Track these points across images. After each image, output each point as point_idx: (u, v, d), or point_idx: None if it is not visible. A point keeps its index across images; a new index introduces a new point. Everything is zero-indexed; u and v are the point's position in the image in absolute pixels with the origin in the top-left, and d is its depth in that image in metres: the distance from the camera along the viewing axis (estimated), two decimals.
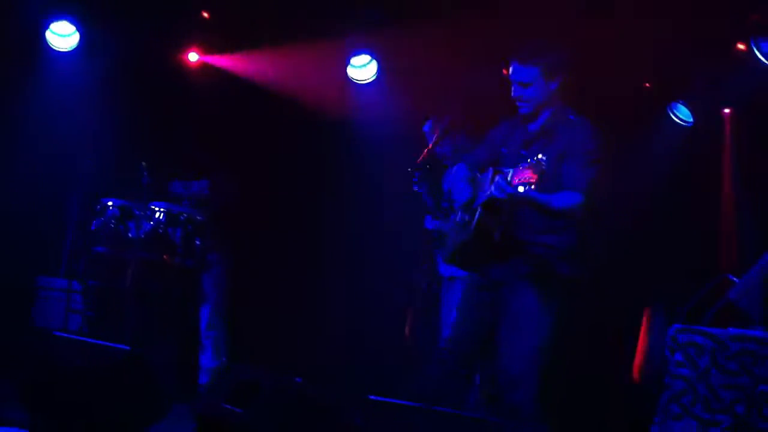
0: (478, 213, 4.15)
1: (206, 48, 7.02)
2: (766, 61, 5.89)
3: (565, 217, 4.17)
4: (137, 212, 6.15)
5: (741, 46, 6.20)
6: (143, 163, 6.06)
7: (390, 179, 6.22)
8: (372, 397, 3.71)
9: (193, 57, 7.08)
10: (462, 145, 5.45)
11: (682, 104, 6.85)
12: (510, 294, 4.19)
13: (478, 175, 4.47)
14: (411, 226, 5.84)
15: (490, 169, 4.29)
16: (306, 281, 7.16)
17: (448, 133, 5.46)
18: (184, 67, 7.07)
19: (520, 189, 3.85)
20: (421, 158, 5.34)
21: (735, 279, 4.07)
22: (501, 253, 4.20)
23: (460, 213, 4.40)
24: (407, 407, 3.54)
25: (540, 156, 3.90)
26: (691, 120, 6.82)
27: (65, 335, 5.18)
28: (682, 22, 6.08)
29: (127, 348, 4.73)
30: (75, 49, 6.84)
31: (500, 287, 4.24)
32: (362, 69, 7.02)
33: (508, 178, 3.94)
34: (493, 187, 4.02)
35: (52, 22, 6.78)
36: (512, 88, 4.33)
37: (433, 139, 5.47)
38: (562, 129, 4.27)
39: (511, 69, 4.33)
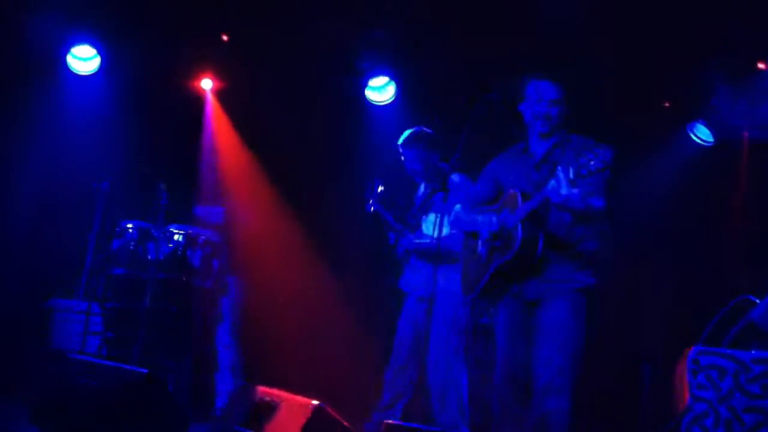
0: (520, 229, 4.19)
1: (223, 73, 7.05)
2: None
3: (593, 222, 4.26)
4: (156, 234, 6.16)
5: (761, 66, 6.16)
6: (162, 185, 6.07)
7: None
8: (389, 420, 3.67)
9: (207, 84, 7.11)
10: (434, 163, 5.49)
11: (702, 124, 6.80)
12: (545, 307, 4.26)
13: (486, 207, 4.53)
14: None
15: (516, 191, 4.31)
16: (321, 301, 7.14)
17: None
18: (200, 91, 7.10)
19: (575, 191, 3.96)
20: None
21: (756, 300, 4.00)
22: (535, 271, 4.25)
23: (480, 244, 4.45)
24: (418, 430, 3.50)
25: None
26: (712, 140, 6.77)
27: (81, 357, 5.18)
28: (702, 41, 6.06)
29: (144, 371, 4.73)
30: (96, 72, 6.89)
31: (534, 304, 4.30)
32: (380, 91, 7.02)
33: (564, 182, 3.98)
34: (549, 193, 4.05)
35: (73, 45, 6.84)
36: (539, 106, 4.39)
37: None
38: (568, 147, 4.35)
39: (537, 87, 4.41)
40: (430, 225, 5.41)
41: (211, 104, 7.15)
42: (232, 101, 7.14)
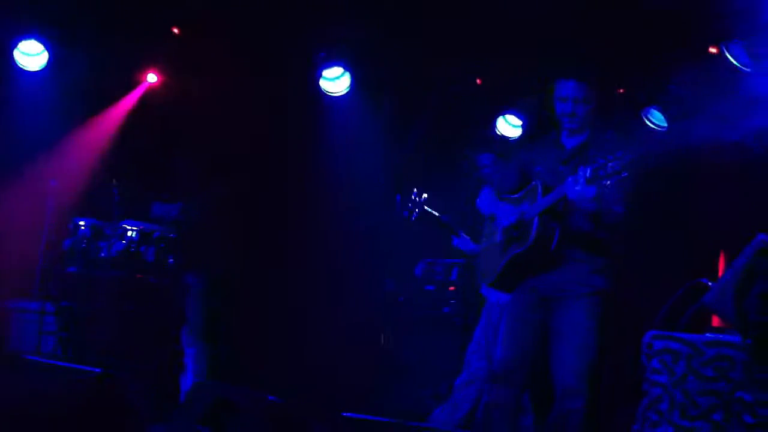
0: (535, 222, 4.18)
1: (172, 67, 6.96)
2: (737, 64, 5.88)
3: (609, 230, 4.24)
4: (108, 231, 6.07)
5: (713, 50, 6.19)
6: (114, 182, 5.99)
7: (366, 191, 6.18)
8: (345, 413, 3.65)
9: (152, 78, 7.03)
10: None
11: (656, 109, 6.84)
12: (561, 309, 4.24)
13: (513, 196, 4.52)
14: (386, 237, 5.81)
15: (537, 183, 4.31)
16: (281, 297, 7.10)
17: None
18: (150, 87, 7.01)
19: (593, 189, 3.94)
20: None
21: (709, 283, 4.03)
22: (551, 267, 4.24)
23: (500, 232, 4.45)
24: (380, 423, 3.48)
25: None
26: (665, 125, 6.82)
27: (35, 358, 5.09)
28: (655, 27, 6.08)
29: (97, 371, 4.66)
30: (44, 68, 6.76)
31: (549, 303, 4.28)
32: (335, 81, 6.98)
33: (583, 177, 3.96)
34: (566, 188, 4.04)
35: (21, 41, 6.70)
36: (564, 105, 4.35)
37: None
38: (603, 146, 4.28)
39: (564, 85, 4.35)
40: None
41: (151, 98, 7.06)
42: (182, 94, 7.04)
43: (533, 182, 4.36)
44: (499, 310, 5.36)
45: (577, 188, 3.98)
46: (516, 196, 4.49)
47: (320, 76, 6.96)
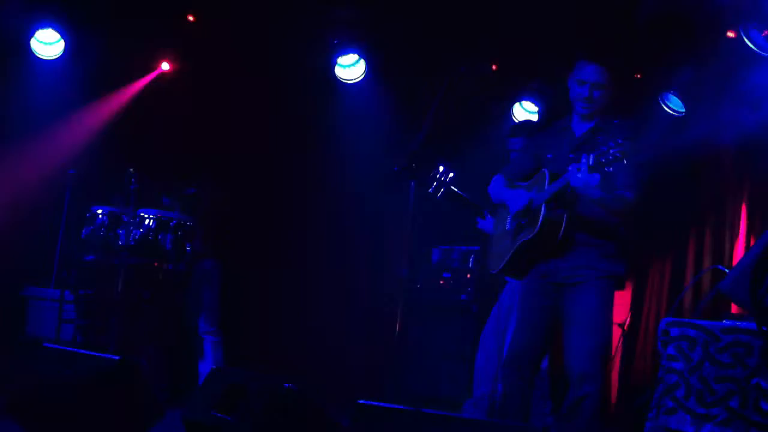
0: (543, 209, 4.18)
1: (187, 54, 6.97)
2: (755, 48, 5.83)
3: (618, 216, 4.24)
4: (126, 219, 6.09)
5: (731, 34, 6.14)
6: (130, 170, 6.00)
7: (377, 178, 6.17)
8: (360, 401, 3.65)
9: (165, 66, 7.04)
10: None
11: (673, 94, 6.79)
12: (573, 294, 4.25)
13: (523, 183, 4.52)
14: (397, 223, 5.79)
15: (545, 171, 4.31)
16: (297, 284, 7.13)
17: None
18: (164, 74, 7.03)
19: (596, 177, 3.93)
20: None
21: (725, 270, 4.00)
22: (561, 253, 4.25)
23: (509, 220, 4.45)
24: (395, 410, 3.48)
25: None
26: (683, 110, 6.77)
27: (55, 346, 5.13)
28: (673, 12, 6.03)
29: (117, 358, 4.69)
30: (60, 56, 6.79)
31: (561, 288, 4.29)
32: (350, 68, 6.97)
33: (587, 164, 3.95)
34: (569, 176, 4.04)
35: (38, 30, 6.73)
36: (581, 88, 4.31)
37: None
38: (609, 132, 4.28)
39: (585, 68, 4.30)
40: None
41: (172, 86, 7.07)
42: (199, 82, 7.05)
43: (542, 170, 4.35)
44: (513, 293, 5.40)
45: (579, 176, 3.98)
46: (526, 183, 4.49)
47: (335, 63, 6.96)
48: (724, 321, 3.89)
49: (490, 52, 6.99)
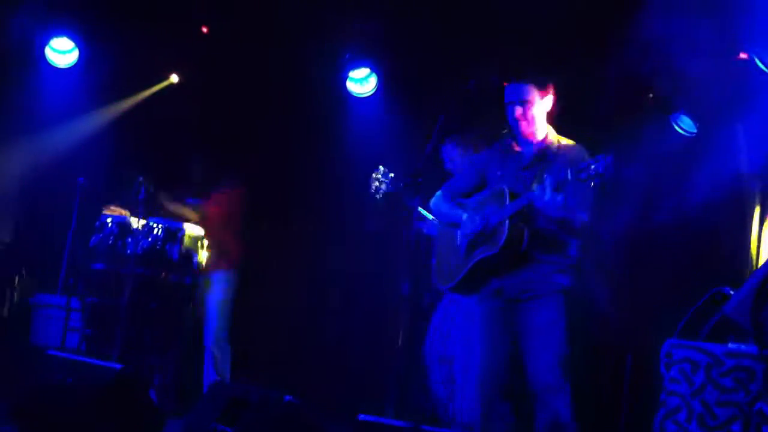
0: (506, 225, 4.20)
1: (200, 66, 7.01)
2: (766, 70, 5.81)
3: (572, 234, 4.29)
4: (135, 228, 6.10)
5: (743, 56, 6.12)
6: (140, 179, 6.02)
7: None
8: (361, 416, 3.65)
9: (175, 78, 7.11)
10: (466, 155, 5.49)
11: (685, 115, 6.77)
12: (528, 309, 4.28)
13: (466, 200, 4.55)
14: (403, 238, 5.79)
15: (504, 188, 4.32)
16: (302, 297, 7.12)
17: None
18: (176, 84, 7.07)
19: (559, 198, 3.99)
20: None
21: (730, 292, 3.98)
22: (516, 268, 4.27)
23: (459, 236, 4.46)
24: (395, 427, 3.48)
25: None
26: (695, 131, 6.74)
27: (59, 354, 5.16)
28: (684, 32, 6.02)
29: (119, 367, 4.71)
30: (74, 65, 6.84)
31: (516, 304, 4.32)
32: (362, 83, 6.98)
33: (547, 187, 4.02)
34: (533, 197, 4.08)
35: (52, 38, 6.78)
36: (511, 110, 4.37)
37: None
38: (558, 152, 4.35)
39: (510, 89, 4.39)
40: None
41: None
42: (211, 92, 7.08)
43: (499, 187, 4.35)
44: (456, 305, 5.43)
45: (545, 198, 4.02)
46: (473, 200, 4.51)
47: (347, 77, 6.97)
48: (729, 345, 3.86)
49: (502, 68, 6.99)
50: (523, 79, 4.33)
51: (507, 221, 4.20)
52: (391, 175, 5.42)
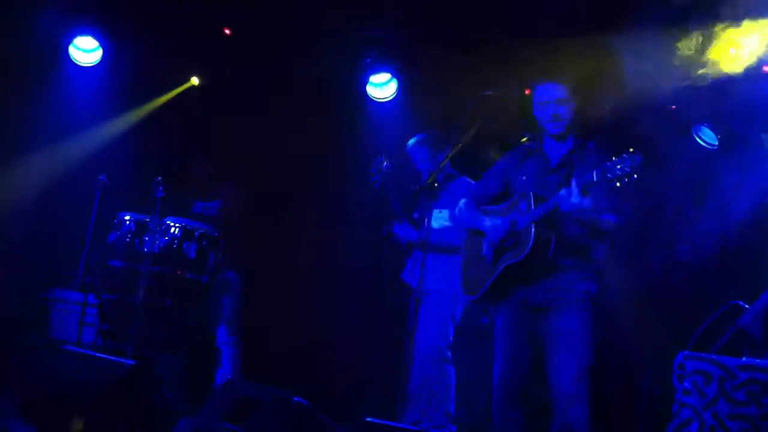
0: (533, 231, 4.16)
1: (221, 66, 7.04)
2: None
3: (600, 238, 4.26)
4: (152, 227, 6.14)
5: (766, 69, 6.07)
6: (158, 178, 6.06)
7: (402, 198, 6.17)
8: (368, 418, 3.64)
9: (196, 80, 7.16)
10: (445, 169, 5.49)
11: (707, 127, 6.73)
12: (553, 318, 4.25)
13: (493, 207, 4.52)
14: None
15: (530, 192, 4.30)
16: (314, 298, 7.13)
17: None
18: (196, 86, 7.11)
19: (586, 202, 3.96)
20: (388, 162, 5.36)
21: (745, 305, 3.94)
22: (543, 275, 4.24)
23: (486, 245, 4.44)
24: (401, 429, 3.47)
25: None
26: (716, 143, 6.70)
27: (74, 349, 5.19)
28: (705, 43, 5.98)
29: (132, 363, 4.73)
30: (98, 64, 6.89)
31: (540, 313, 4.29)
32: (382, 87, 6.99)
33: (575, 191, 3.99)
34: (560, 200, 4.05)
35: (76, 36, 6.83)
36: (546, 108, 4.37)
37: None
38: (586, 155, 4.32)
39: (541, 90, 4.40)
40: (434, 220, 5.38)
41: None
42: (232, 95, 7.12)
43: (525, 191, 4.34)
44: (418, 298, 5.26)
45: (572, 200, 3.99)
46: (499, 207, 4.49)
47: (367, 81, 6.98)
48: (743, 358, 3.82)
49: (522, 78, 6.97)
50: (556, 79, 4.35)
51: (533, 227, 4.16)
52: (386, 164, 5.42)
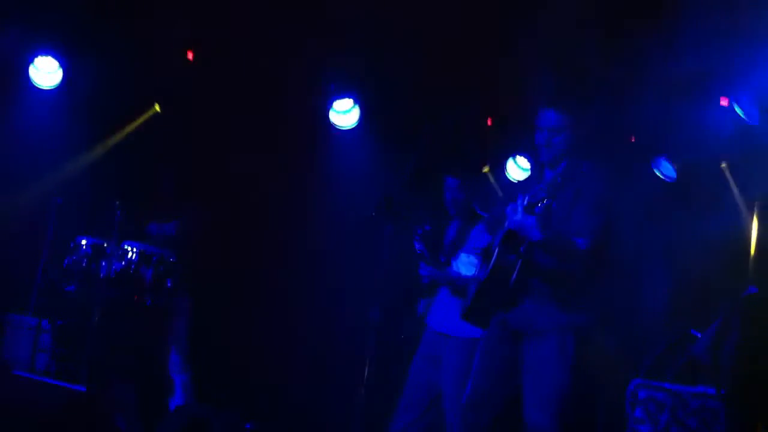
0: (495, 252, 4.16)
1: (182, 90, 7.01)
2: (745, 117, 5.87)
3: (570, 263, 4.15)
4: (109, 251, 6.06)
5: (724, 102, 6.18)
6: (117, 203, 6.00)
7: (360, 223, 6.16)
8: None
9: (157, 107, 7.12)
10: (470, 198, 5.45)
11: (665, 160, 6.81)
12: (531, 344, 4.19)
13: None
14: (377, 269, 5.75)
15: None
16: (272, 325, 7.08)
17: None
18: (161, 111, 7.08)
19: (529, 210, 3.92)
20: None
21: (697, 334, 3.97)
22: (517, 301, 4.20)
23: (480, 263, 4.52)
24: None
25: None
26: (674, 176, 6.78)
27: (24, 374, 5.11)
28: (665, 78, 6.08)
29: (83, 389, 4.66)
30: (58, 86, 6.81)
31: (520, 337, 4.24)
32: (345, 114, 6.99)
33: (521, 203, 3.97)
34: (507, 218, 4.04)
35: (36, 57, 6.75)
36: (540, 135, 4.33)
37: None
38: (575, 177, 4.26)
39: (540, 115, 4.34)
40: (461, 265, 5.33)
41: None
42: (189, 117, 7.08)
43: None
44: (441, 341, 5.26)
45: (516, 218, 3.96)
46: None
47: (330, 108, 6.98)
48: (698, 386, 3.84)
49: (486, 105, 7.03)
50: (563, 109, 4.29)
51: (496, 249, 4.15)
52: (426, 228, 5.37)
